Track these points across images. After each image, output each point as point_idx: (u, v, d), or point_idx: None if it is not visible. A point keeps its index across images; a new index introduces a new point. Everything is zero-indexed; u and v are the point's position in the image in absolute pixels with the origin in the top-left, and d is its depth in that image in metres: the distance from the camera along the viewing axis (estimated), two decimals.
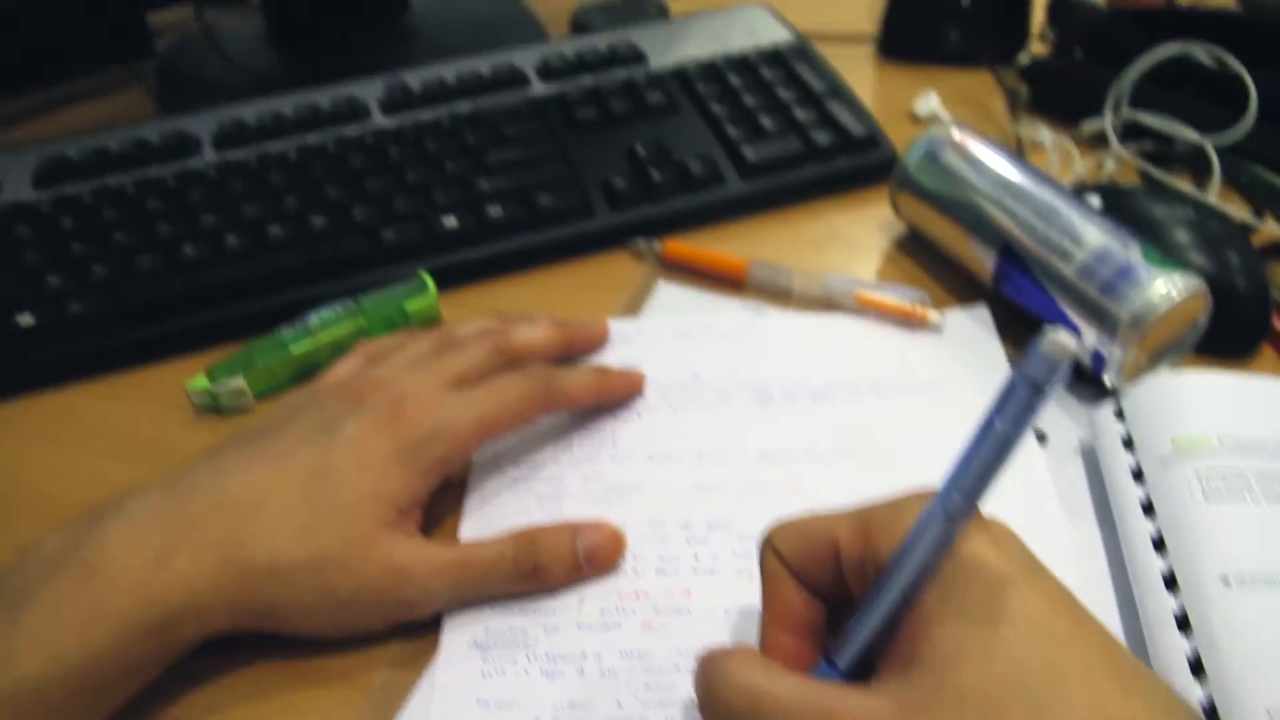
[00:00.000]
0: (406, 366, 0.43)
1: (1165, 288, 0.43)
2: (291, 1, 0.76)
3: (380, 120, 0.62)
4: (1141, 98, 0.62)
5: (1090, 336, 0.45)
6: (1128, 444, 0.41)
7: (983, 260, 0.50)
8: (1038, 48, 0.73)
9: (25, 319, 0.51)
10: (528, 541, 0.39)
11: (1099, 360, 0.45)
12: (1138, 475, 0.40)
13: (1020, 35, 0.73)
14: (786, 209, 0.59)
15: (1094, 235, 0.46)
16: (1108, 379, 0.45)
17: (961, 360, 0.48)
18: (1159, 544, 0.37)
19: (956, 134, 0.53)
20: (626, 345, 0.50)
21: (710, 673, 0.29)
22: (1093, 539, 0.40)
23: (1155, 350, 0.45)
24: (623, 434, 0.45)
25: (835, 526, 0.31)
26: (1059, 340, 0.25)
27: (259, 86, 0.71)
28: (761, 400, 0.46)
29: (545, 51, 0.67)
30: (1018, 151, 0.63)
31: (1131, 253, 0.45)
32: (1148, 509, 0.39)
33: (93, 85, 0.77)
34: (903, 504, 0.30)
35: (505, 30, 0.78)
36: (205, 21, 0.74)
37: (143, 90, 0.75)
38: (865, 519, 0.30)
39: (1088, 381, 0.46)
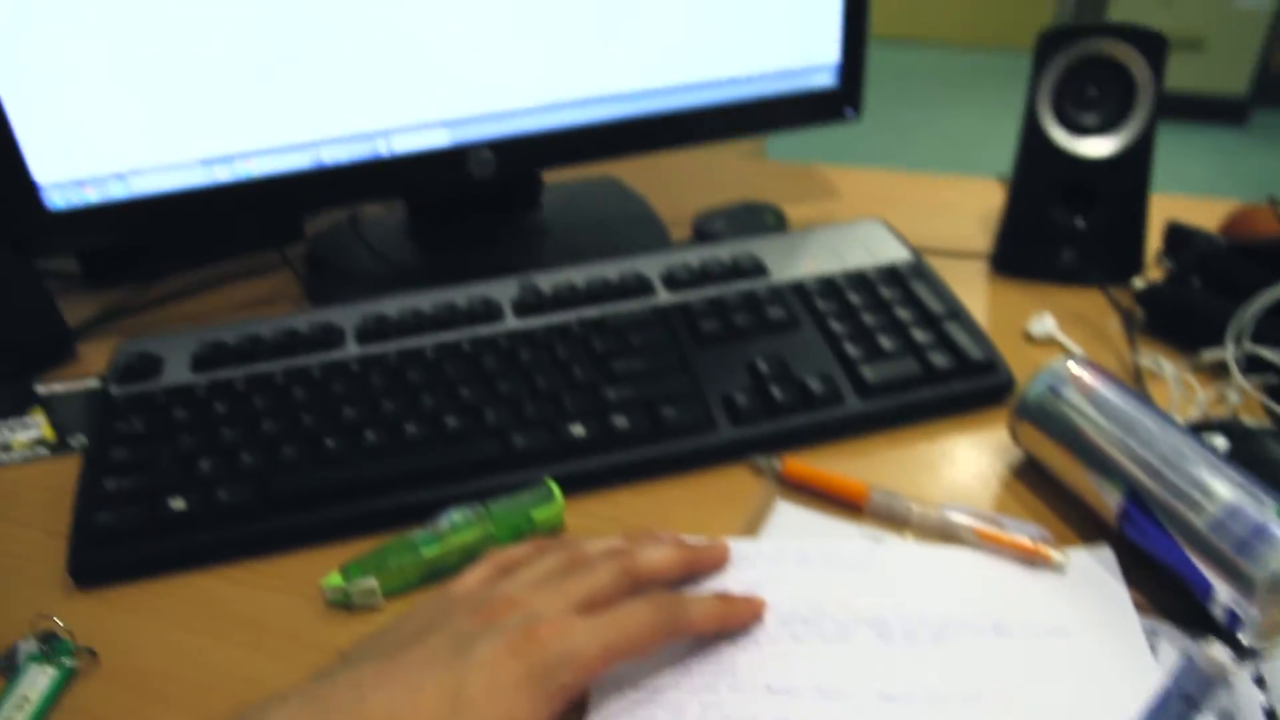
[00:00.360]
0: (536, 585, 0.44)
1: None
2: (431, 201, 0.81)
3: (513, 322, 0.66)
4: (1263, 331, 0.62)
5: (1224, 593, 0.44)
6: (1270, 716, 0.40)
7: (1106, 501, 0.50)
8: (1153, 272, 0.74)
9: (177, 503, 0.54)
10: None
11: (1233, 619, 0.44)
12: None
13: (1135, 259, 0.74)
14: (903, 429, 0.60)
15: (1225, 490, 0.46)
16: (1244, 638, 0.44)
17: (1085, 604, 0.48)
18: None
19: (1077, 368, 0.54)
20: (747, 567, 0.50)
21: None
22: None
23: None
24: (742, 662, 0.45)
25: None
26: (1214, 658, 0.25)
27: (399, 276, 0.76)
28: (882, 636, 0.46)
29: (670, 261, 0.70)
30: (1136, 380, 0.64)
31: (1266, 511, 0.44)
32: None
33: (245, 266, 0.83)
34: None
35: (630, 230, 0.82)
36: (355, 215, 0.80)
37: (290, 274, 0.81)
38: None
39: (1220, 633, 0.45)
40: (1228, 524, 0.44)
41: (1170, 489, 0.47)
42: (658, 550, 0.48)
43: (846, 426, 0.59)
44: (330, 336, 0.65)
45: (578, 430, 0.57)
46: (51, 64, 0.61)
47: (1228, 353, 0.62)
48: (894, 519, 0.53)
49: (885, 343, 0.62)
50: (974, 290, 0.75)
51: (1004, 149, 0.76)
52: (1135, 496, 0.48)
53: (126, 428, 0.59)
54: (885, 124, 3.31)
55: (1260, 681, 0.42)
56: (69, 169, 0.65)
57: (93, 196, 0.66)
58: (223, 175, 0.67)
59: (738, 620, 0.46)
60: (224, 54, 0.63)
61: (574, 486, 0.55)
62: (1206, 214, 0.78)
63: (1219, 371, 0.63)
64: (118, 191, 0.66)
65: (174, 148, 0.65)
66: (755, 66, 0.75)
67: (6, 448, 0.63)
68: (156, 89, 0.63)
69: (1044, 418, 0.54)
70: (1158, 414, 0.51)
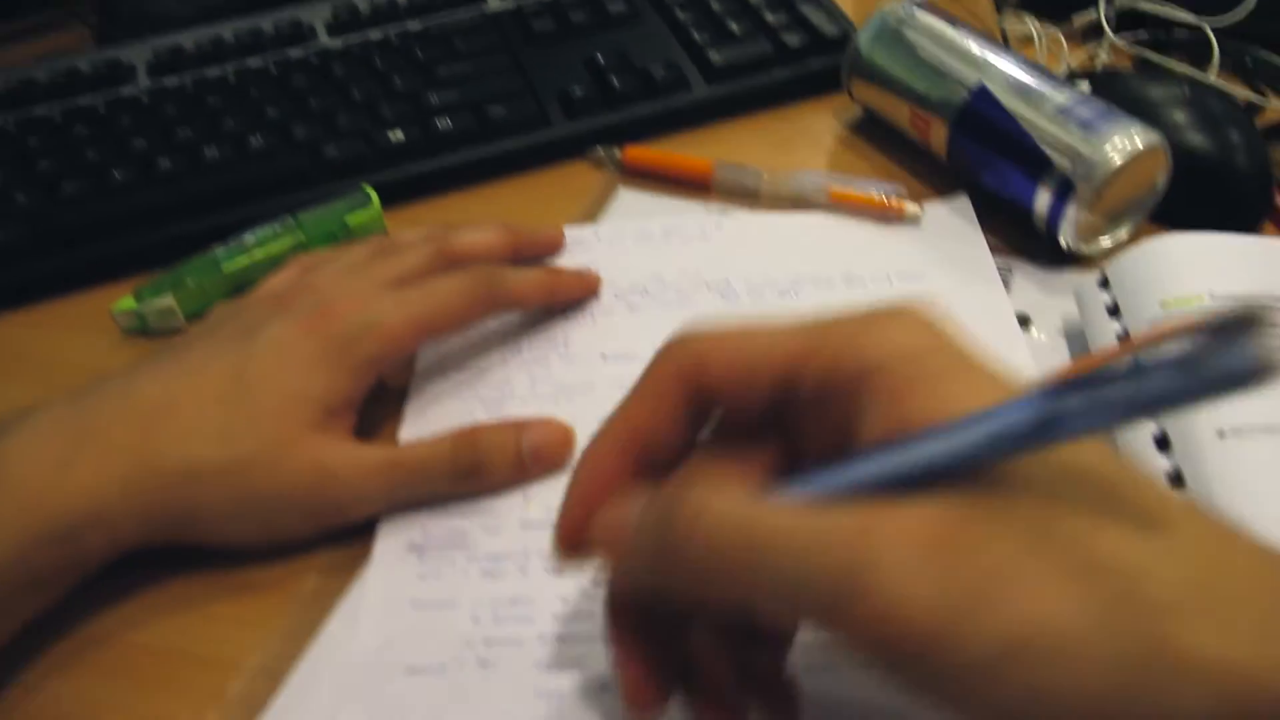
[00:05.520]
0: (341, 273, 0.40)
1: (1122, 142, 0.41)
2: None
3: (326, 41, 0.59)
4: None
5: (1043, 199, 0.42)
6: (1113, 311, 0.38)
7: (939, 133, 0.47)
8: None
9: None
10: (467, 440, 0.36)
11: (1055, 216, 0.42)
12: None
13: None
14: (756, 114, 0.56)
15: (1074, 91, 0.43)
16: (1063, 239, 0.43)
17: (941, 250, 0.45)
18: None
19: (917, 11, 0.50)
20: (584, 250, 0.46)
21: (676, 511, 0.23)
22: None
23: (1112, 211, 0.43)
24: (575, 335, 0.42)
25: (778, 346, 0.26)
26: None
27: (203, 15, 0.67)
28: (725, 297, 0.43)
29: None
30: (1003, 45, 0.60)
31: (1094, 107, 0.42)
32: None
33: (30, 25, 0.74)
34: (875, 320, 0.24)
35: None
36: None
37: (84, 29, 0.72)
38: (822, 336, 0.25)
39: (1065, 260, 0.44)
40: (1075, 109, 0.42)
41: (1016, 88, 0.44)
42: (479, 232, 0.43)
43: (693, 113, 0.55)
44: (117, 73, 0.58)
45: (396, 135, 0.51)
46: None
47: (1099, 9, 0.58)
48: (743, 192, 0.49)
49: (734, 26, 0.57)
50: None
51: None
52: (962, 119, 0.46)
53: None
54: None
55: (1105, 283, 0.40)
56: None
57: None
58: None
59: (566, 291, 0.43)
60: None
61: (397, 194, 0.50)
62: None
63: (1094, 35, 0.60)
64: None
65: None
66: None
67: None
68: None
69: (876, 65, 0.50)
70: (1008, 51, 0.47)
